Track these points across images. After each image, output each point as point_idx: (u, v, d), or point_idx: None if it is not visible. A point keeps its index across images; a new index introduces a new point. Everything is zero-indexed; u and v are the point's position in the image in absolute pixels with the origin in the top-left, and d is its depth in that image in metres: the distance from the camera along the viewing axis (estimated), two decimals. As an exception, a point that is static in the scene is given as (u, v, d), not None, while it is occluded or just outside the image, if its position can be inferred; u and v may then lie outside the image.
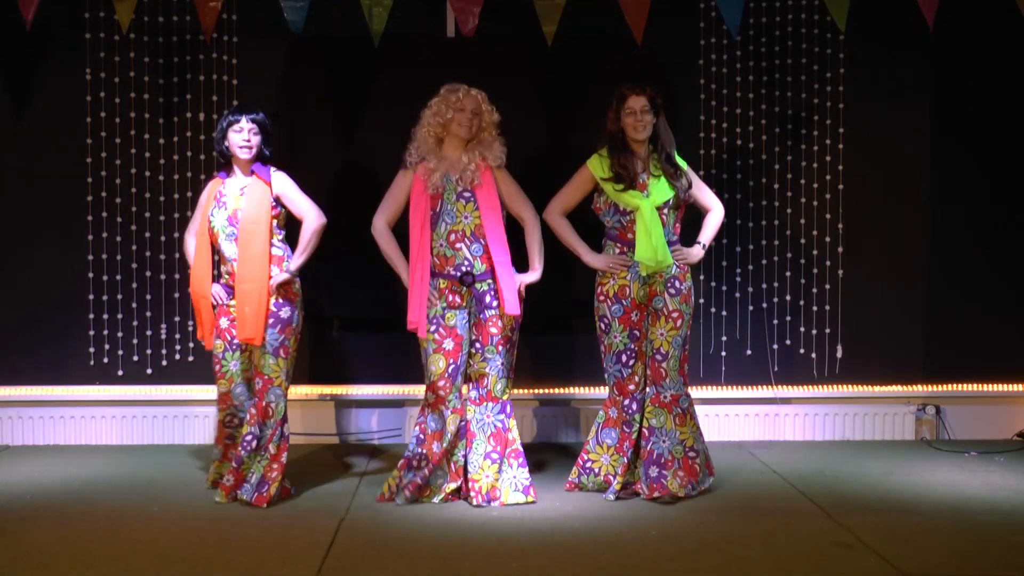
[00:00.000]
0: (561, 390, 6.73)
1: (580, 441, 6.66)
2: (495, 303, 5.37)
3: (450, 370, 5.34)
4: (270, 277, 5.34)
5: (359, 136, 6.54)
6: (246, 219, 5.35)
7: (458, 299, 5.36)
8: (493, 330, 5.38)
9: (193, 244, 5.54)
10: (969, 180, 6.71)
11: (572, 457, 6.24)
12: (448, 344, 5.34)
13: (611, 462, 5.45)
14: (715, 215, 5.60)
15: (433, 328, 5.34)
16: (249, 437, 5.39)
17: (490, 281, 5.37)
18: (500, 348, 5.38)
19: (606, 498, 5.37)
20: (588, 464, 5.51)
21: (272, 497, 5.33)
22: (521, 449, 5.46)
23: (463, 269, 5.35)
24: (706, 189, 5.63)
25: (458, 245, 5.34)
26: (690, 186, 5.46)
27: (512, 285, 5.32)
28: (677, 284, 5.38)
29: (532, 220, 5.48)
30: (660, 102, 5.37)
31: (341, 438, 6.69)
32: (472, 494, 5.36)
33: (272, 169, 5.48)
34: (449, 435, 5.36)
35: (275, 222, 5.44)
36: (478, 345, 5.40)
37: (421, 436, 5.42)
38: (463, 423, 5.40)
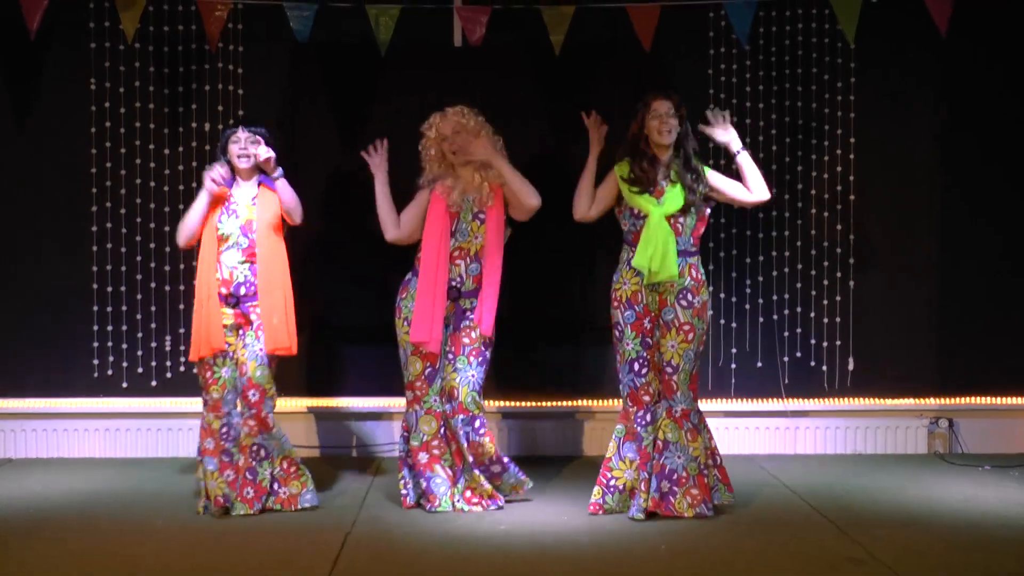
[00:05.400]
0: (568, 403, 6.71)
1: (583, 455, 6.67)
2: (472, 316, 5.49)
3: (426, 372, 5.50)
4: (303, 292, 5.57)
5: (365, 147, 6.52)
6: (264, 230, 5.44)
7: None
8: (466, 340, 5.49)
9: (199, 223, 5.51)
10: (982, 191, 6.69)
11: (579, 470, 6.24)
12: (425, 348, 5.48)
13: (634, 478, 5.39)
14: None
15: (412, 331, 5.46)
16: (255, 447, 5.44)
17: (474, 301, 5.50)
18: (471, 359, 5.48)
19: (633, 517, 5.31)
20: (612, 482, 5.42)
21: (298, 503, 5.47)
22: (487, 460, 5.54)
23: (452, 284, 5.48)
24: (739, 184, 5.52)
25: (458, 261, 5.48)
26: (709, 191, 5.40)
27: (493, 306, 5.44)
28: (690, 297, 5.34)
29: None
30: (684, 112, 5.37)
31: (343, 451, 6.69)
32: (476, 501, 5.48)
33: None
34: (424, 436, 5.49)
35: None
36: (450, 356, 5.51)
37: (404, 433, 5.60)
38: (443, 427, 5.51)
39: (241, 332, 5.47)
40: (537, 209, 5.50)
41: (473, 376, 5.48)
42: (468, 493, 5.49)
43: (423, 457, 5.50)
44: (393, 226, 5.57)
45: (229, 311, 5.45)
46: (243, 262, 5.44)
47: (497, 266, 5.48)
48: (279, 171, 5.49)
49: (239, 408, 5.49)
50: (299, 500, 5.48)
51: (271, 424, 5.46)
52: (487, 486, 5.49)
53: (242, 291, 5.44)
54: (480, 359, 5.50)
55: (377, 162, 5.61)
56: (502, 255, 5.49)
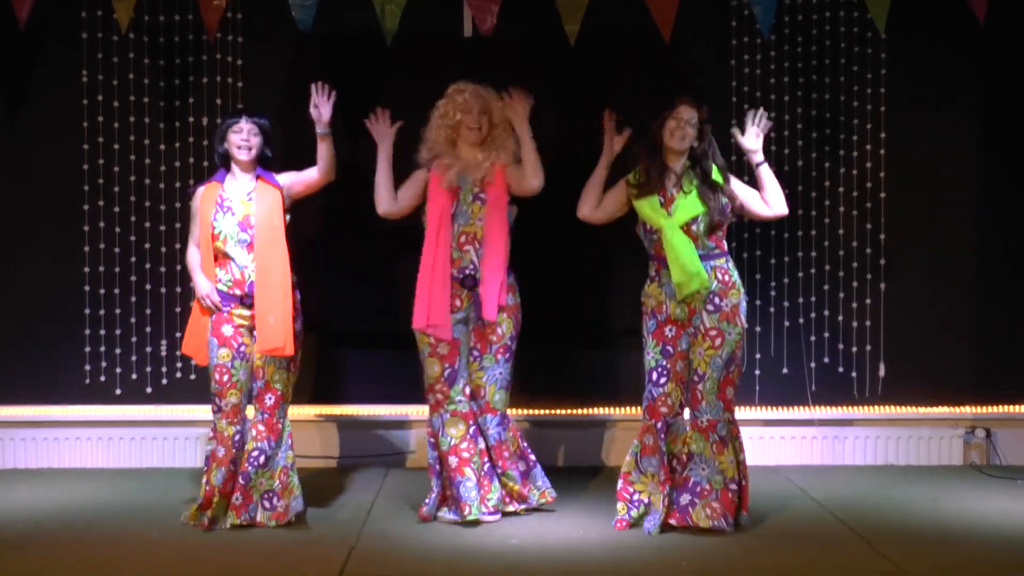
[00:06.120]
0: (587, 411, 6.68)
1: (603, 466, 6.64)
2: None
3: (446, 374, 5.45)
4: (293, 285, 5.43)
5: (370, 141, 6.50)
6: (262, 225, 5.40)
7: (457, 302, 5.46)
8: (492, 337, 5.48)
9: (197, 256, 5.52)
10: (1020, 188, 6.64)
11: (597, 481, 6.21)
12: (443, 348, 5.44)
13: (654, 490, 5.36)
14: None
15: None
16: (256, 453, 5.41)
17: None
18: (499, 357, 5.49)
19: (648, 533, 5.27)
20: (636, 496, 5.40)
21: (288, 513, 5.40)
22: (516, 456, 5.57)
23: (466, 272, 5.45)
24: (758, 196, 5.51)
25: (466, 247, 5.46)
26: (731, 203, 5.39)
27: (495, 290, 5.38)
28: (716, 301, 5.31)
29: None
30: (708, 130, 5.35)
31: (348, 461, 6.66)
32: (509, 500, 5.52)
33: (275, 174, 5.57)
34: (452, 440, 5.44)
35: None
36: (476, 353, 5.51)
37: (431, 439, 5.55)
38: (472, 427, 5.48)
39: (255, 334, 5.44)
40: (537, 191, 5.49)
41: (500, 374, 5.50)
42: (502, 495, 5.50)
43: (453, 461, 5.46)
44: (388, 200, 5.54)
45: (246, 312, 5.42)
46: (254, 260, 5.41)
47: (501, 248, 5.43)
48: (326, 129, 5.52)
49: (252, 413, 5.48)
50: (289, 510, 5.43)
51: (281, 430, 5.45)
52: (517, 486, 5.51)
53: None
54: (507, 355, 5.51)
55: (382, 131, 5.60)
56: (507, 237, 5.46)
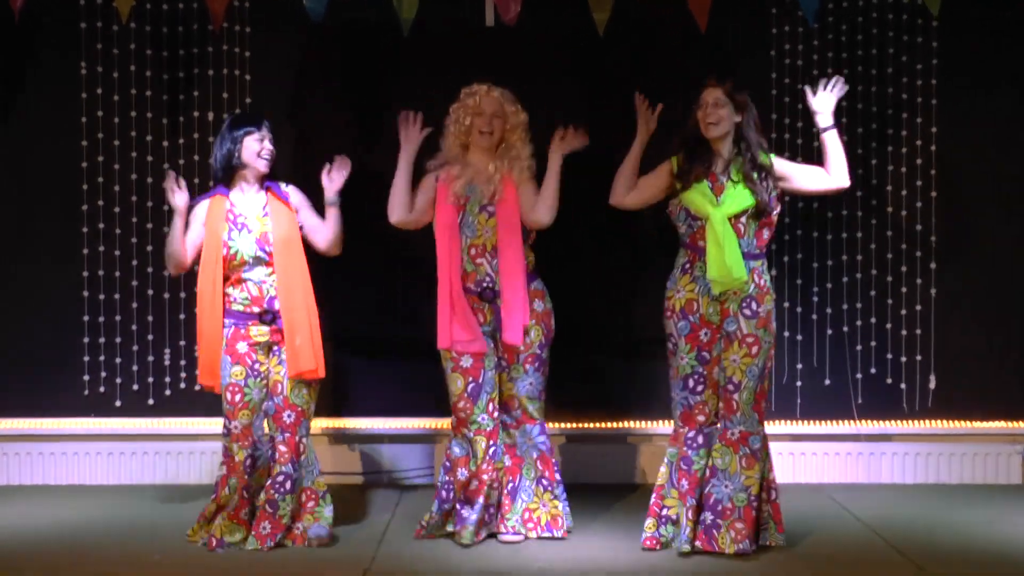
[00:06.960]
0: (618, 424, 6.64)
1: (636, 483, 6.59)
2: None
3: (470, 389, 5.43)
4: (317, 302, 5.43)
5: (385, 138, 6.44)
6: (281, 243, 5.38)
7: (480, 316, 5.45)
8: (520, 347, 5.45)
9: (182, 246, 5.46)
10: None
11: (630, 500, 6.15)
12: (465, 362, 5.42)
13: (681, 505, 5.30)
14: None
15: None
16: (282, 478, 5.37)
17: None
18: (528, 367, 5.47)
19: (680, 550, 5.21)
20: (666, 512, 5.35)
21: (307, 537, 5.38)
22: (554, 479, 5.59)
23: (484, 284, 5.45)
24: (813, 168, 5.47)
25: (479, 260, 5.45)
26: (776, 187, 5.31)
27: (517, 313, 5.37)
28: (754, 306, 5.25)
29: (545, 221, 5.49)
30: (741, 99, 5.29)
31: (361, 477, 6.63)
32: (531, 525, 5.48)
33: (282, 184, 5.53)
34: (477, 459, 5.43)
35: None
36: (504, 364, 5.50)
37: (447, 463, 5.54)
38: (496, 447, 5.44)
39: (275, 350, 5.42)
40: (544, 227, 5.48)
41: (532, 384, 5.48)
42: (526, 514, 5.46)
43: (473, 483, 5.44)
44: (403, 208, 5.50)
45: (265, 328, 5.40)
46: (271, 274, 5.38)
47: (516, 262, 5.40)
48: (335, 198, 5.51)
49: (267, 430, 5.44)
50: (308, 534, 5.39)
51: (303, 449, 5.41)
52: (548, 507, 5.48)
53: (276, 305, 5.39)
54: (537, 364, 5.49)
55: (412, 134, 5.54)
56: (521, 249, 5.43)
